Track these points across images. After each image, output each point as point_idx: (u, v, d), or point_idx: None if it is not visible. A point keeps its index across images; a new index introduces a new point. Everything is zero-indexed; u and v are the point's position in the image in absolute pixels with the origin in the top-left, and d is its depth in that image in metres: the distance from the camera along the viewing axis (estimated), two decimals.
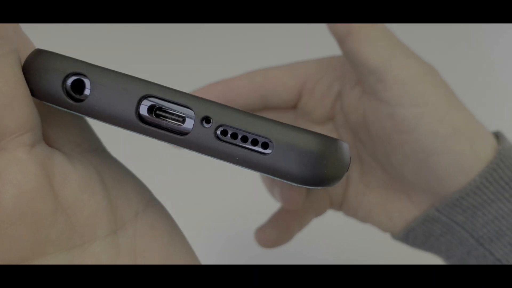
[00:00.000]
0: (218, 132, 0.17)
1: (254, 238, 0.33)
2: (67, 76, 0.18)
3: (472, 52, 0.60)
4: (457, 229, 0.30)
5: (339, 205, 0.34)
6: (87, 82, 0.18)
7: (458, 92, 0.30)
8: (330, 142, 0.17)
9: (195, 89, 0.32)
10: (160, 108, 0.18)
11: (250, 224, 0.35)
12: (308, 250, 0.44)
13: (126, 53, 0.59)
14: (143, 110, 0.17)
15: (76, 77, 0.18)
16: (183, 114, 0.17)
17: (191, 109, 0.17)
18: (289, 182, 0.17)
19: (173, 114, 0.18)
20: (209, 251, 0.44)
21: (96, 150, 0.21)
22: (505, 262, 0.29)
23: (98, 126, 0.22)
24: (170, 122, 0.18)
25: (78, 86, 0.18)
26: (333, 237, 0.45)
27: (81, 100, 0.18)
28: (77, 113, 0.18)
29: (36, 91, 0.18)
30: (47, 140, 0.19)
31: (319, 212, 0.34)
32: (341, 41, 0.29)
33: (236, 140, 0.17)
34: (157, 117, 0.18)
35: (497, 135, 0.30)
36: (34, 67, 0.18)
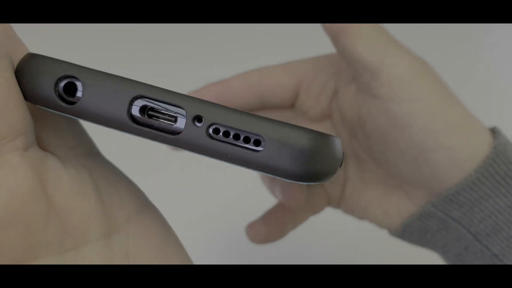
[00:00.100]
0: (210, 130, 0.17)
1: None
2: (59, 79, 0.18)
3: (471, 52, 0.60)
4: (454, 224, 0.30)
5: (337, 203, 0.34)
6: (79, 84, 0.18)
7: (457, 89, 0.30)
8: (321, 137, 0.17)
9: (191, 90, 0.32)
10: (152, 109, 0.18)
11: None
12: (308, 250, 0.44)
13: (123, 54, 0.59)
14: (135, 111, 0.18)
15: (68, 80, 0.18)
16: (175, 113, 0.17)
17: (182, 109, 0.17)
18: (282, 179, 0.17)
19: (165, 114, 0.18)
20: (211, 252, 0.44)
21: (90, 153, 0.21)
22: (502, 257, 0.29)
23: (92, 129, 0.22)
24: (162, 122, 0.18)
25: (70, 88, 0.18)
26: (334, 237, 0.45)
27: (74, 103, 0.18)
28: (70, 116, 0.18)
29: (29, 95, 0.18)
30: (40, 143, 0.19)
31: (316, 210, 0.34)
32: (335, 38, 0.29)
33: (228, 138, 0.17)
34: (149, 118, 0.18)
35: (493, 131, 0.30)
36: (27, 71, 0.18)
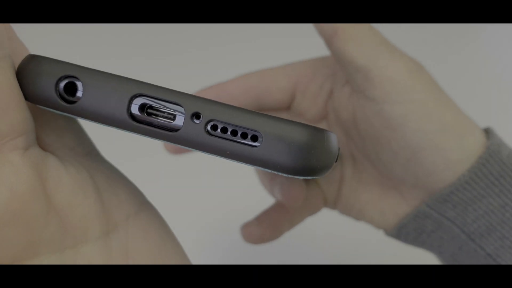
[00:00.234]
0: (208, 127, 0.17)
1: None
2: (60, 79, 0.18)
3: (471, 52, 0.61)
4: (448, 224, 0.31)
5: (334, 203, 0.34)
6: (79, 84, 0.18)
7: (457, 90, 0.30)
8: (317, 132, 0.17)
9: (189, 92, 0.32)
10: (151, 107, 0.18)
11: None
12: (308, 251, 0.44)
13: (122, 54, 0.59)
14: (135, 109, 0.18)
15: (69, 79, 0.18)
16: (173, 111, 0.18)
17: (181, 106, 0.18)
18: (279, 173, 0.17)
19: (164, 112, 0.18)
20: (213, 252, 0.44)
21: (90, 153, 0.21)
22: (495, 257, 0.30)
23: (91, 130, 0.22)
24: (161, 120, 0.18)
25: (71, 88, 0.18)
26: (333, 238, 0.45)
27: (74, 102, 0.18)
28: (70, 115, 0.18)
29: (30, 95, 0.18)
30: (40, 143, 0.20)
31: (313, 211, 0.34)
32: (328, 41, 0.29)
33: (226, 134, 0.17)
34: (149, 115, 0.18)
35: (487, 131, 0.30)
36: (28, 71, 0.18)
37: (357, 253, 0.45)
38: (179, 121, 0.18)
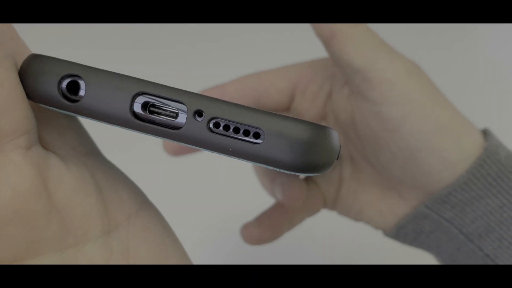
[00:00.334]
0: (211, 124, 0.18)
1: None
2: (62, 78, 0.18)
3: (470, 52, 0.61)
4: (447, 225, 0.31)
5: (333, 204, 0.34)
6: (82, 83, 0.18)
7: (457, 90, 0.30)
8: (319, 129, 0.17)
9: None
10: (153, 105, 0.18)
11: None
12: (309, 251, 0.45)
13: (119, 54, 0.59)
14: (137, 107, 0.18)
15: (71, 78, 0.18)
16: (176, 109, 0.18)
17: (183, 104, 0.18)
18: (281, 170, 0.17)
19: (166, 110, 0.18)
20: (214, 252, 0.44)
21: (91, 153, 0.21)
22: (493, 258, 0.30)
23: (92, 130, 0.22)
24: (164, 118, 0.18)
25: (73, 87, 0.18)
26: (335, 238, 0.45)
27: (77, 101, 0.18)
28: (73, 114, 0.18)
29: (32, 94, 0.18)
30: (42, 143, 0.20)
31: (312, 212, 0.34)
32: (326, 43, 0.29)
33: (228, 132, 0.17)
34: (151, 114, 0.18)
35: (485, 132, 0.31)
36: (30, 71, 0.18)
37: (356, 253, 0.45)
38: (182, 119, 0.18)
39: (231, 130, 0.17)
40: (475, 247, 0.30)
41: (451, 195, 0.30)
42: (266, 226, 0.33)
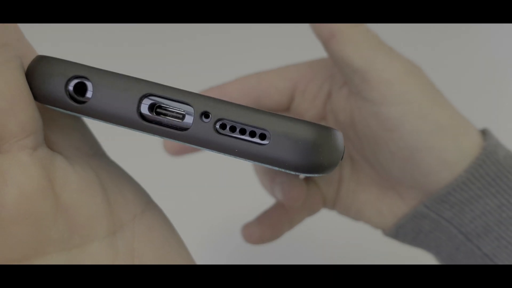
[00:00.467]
0: (217, 126, 0.18)
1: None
2: (70, 80, 0.18)
3: (469, 52, 0.61)
4: (446, 225, 0.31)
5: (333, 204, 0.34)
6: (89, 84, 0.18)
7: (458, 90, 0.30)
8: (324, 130, 0.17)
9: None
10: (160, 106, 0.18)
11: None
12: (309, 251, 0.45)
13: (117, 55, 0.59)
14: (144, 109, 0.18)
15: (79, 80, 0.18)
16: (182, 110, 0.18)
17: (190, 105, 0.18)
18: (287, 171, 0.18)
19: (173, 111, 0.18)
20: (218, 253, 0.44)
21: (96, 153, 0.22)
22: (492, 257, 0.30)
23: (96, 131, 0.22)
24: (171, 119, 0.18)
25: (81, 88, 0.18)
26: (335, 238, 0.46)
27: (84, 102, 0.18)
28: (80, 115, 0.19)
29: (39, 95, 0.18)
30: (48, 144, 0.20)
31: (312, 211, 0.34)
32: (325, 43, 0.29)
33: (234, 133, 0.18)
34: (158, 115, 0.18)
35: (484, 132, 0.31)
36: (37, 72, 0.18)
37: (356, 253, 0.45)
38: (188, 120, 0.18)
39: (237, 131, 0.18)
40: (474, 246, 0.30)
41: (450, 195, 0.30)
42: (267, 225, 0.33)
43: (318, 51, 0.32)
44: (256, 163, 0.18)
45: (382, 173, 0.32)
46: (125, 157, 0.26)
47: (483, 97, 0.57)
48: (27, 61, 0.19)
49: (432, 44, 0.60)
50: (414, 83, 0.29)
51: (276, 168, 0.18)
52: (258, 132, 0.17)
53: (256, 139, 0.17)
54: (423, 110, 0.29)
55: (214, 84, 0.33)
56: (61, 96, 0.18)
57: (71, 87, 0.18)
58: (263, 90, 0.32)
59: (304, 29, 0.31)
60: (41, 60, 0.18)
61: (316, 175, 0.18)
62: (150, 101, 0.18)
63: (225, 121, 0.18)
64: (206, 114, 0.18)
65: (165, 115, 0.18)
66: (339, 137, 0.18)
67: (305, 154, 0.17)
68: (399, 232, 0.33)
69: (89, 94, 0.18)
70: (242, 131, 0.18)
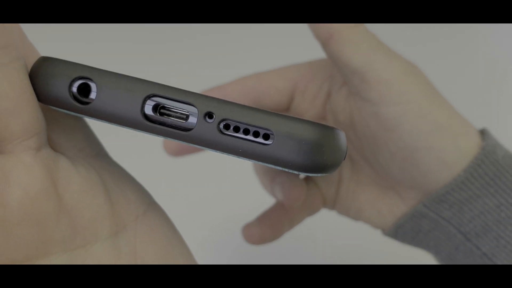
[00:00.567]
0: (221, 126, 0.18)
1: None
2: (73, 81, 0.18)
3: (468, 52, 0.61)
4: (445, 224, 0.31)
5: (332, 204, 0.35)
6: (93, 85, 0.18)
7: (454, 91, 0.31)
8: (327, 130, 0.17)
9: None
10: (163, 107, 0.18)
11: None
12: (310, 251, 0.45)
13: (116, 55, 0.59)
14: (148, 109, 0.18)
15: (82, 81, 0.18)
16: (186, 111, 0.18)
17: (194, 106, 0.18)
18: (290, 171, 0.18)
19: (177, 112, 0.18)
20: (219, 253, 0.45)
21: (98, 154, 0.22)
22: (491, 256, 0.30)
23: (99, 132, 0.23)
24: (175, 119, 0.18)
25: (84, 89, 0.18)
26: (335, 238, 0.46)
27: (88, 103, 0.18)
28: (84, 116, 0.19)
29: (43, 96, 0.18)
30: (51, 145, 0.20)
31: (312, 211, 0.34)
32: (324, 44, 0.30)
33: (238, 133, 0.18)
34: (162, 115, 0.18)
35: (483, 132, 0.31)
36: (41, 73, 0.18)
37: (356, 253, 0.45)
38: (192, 120, 0.18)
39: (241, 131, 0.18)
40: (472, 246, 0.31)
41: (449, 195, 0.30)
42: (267, 226, 0.33)
43: (318, 51, 0.32)
44: (260, 163, 0.18)
45: (382, 173, 0.32)
46: (127, 158, 0.26)
47: (482, 97, 0.57)
48: (30, 62, 0.19)
49: (431, 44, 0.61)
50: (413, 83, 0.29)
51: (280, 168, 0.18)
52: (261, 132, 0.18)
53: (260, 139, 0.18)
54: (422, 110, 0.29)
55: (214, 84, 0.33)
56: (65, 97, 0.18)
57: (74, 88, 0.18)
58: (263, 91, 0.32)
59: (304, 29, 0.31)
60: (44, 61, 0.19)
61: (319, 174, 0.18)
62: (154, 102, 0.18)
63: (228, 122, 0.18)
64: (210, 115, 0.18)
65: (169, 115, 0.18)
66: (342, 136, 0.18)
67: (308, 154, 0.17)
68: (399, 231, 0.33)
69: (92, 95, 0.18)
70: (246, 131, 0.18)
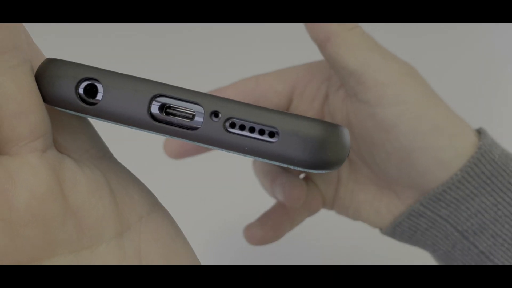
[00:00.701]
0: (227, 124, 0.18)
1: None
2: (80, 82, 0.18)
3: (468, 51, 0.61)
4: (442, 223, 0.31)
5: (331, 204, 0.35)
6: (99, 86, 0.18)
7: (451, 91, 0.31)
8: (332, 127, 0.18)
9: None
10: (170, 106, 0.18)
11: None
12: (311, 251, 0.45)
13: (115, 55, 0.59)
14: (155, 109, 0.18)
15: (89, 82, 0.18)
16: (192, 110, 0.18)
17: (200, 105, 0.18)
18: (295, 168, 0.18)
19: (183, 111, 0.18)
20: (220, 254, 0.45)
21: (103, 156, 0.22)
22: (488, 255, 0.30)
23: (104, 134, 0.23)
24: (181, 119, 0.18)
25: (91, 90, 0.19)
26: (335, 238, 0.46)
27: (94, 104, 0.18)
28: (91, 116, 0.19)
29: (49, 98, 0.19)
30: (57, 146, 0.20)
31: (312, 211, 0.35)
32: (321, 46, 0.30)
33: (244, 131, 0.18)
34: (168, 115, 0.18)
35: (479, 132, 0.31)
36: (47, 75, 0.18)
37: (355, 253, 0.45)
38: (199, 119, 0.18)
39: (246, 129, 0.18)
40: (470, 244, 0.31)
41: (445, 193, 0.30)
42: (268, 226, 0.33)
43: (317, 53, 0.32)
44: (265, 160, 0.18)
45: (379, 173, 0.32)
46: (132, 159, 0.26)
47: (479, 97, 0.57)
48: (35, 64, 0.19)
49: (428, 44, 0.61)
50: (409, 85, 0.29)
51: (285, 165, 0.18)
52: (267, 130, 0.18)
53: (265, 137, 0.18)
54: (418, 111, 0.29)
55: (214, 85, 0.33)
56: (72, 98, 0.18)
57: (81, 89, 0.18)
58: (262, 93, 0.33)
59: (302, 30, 0.31)
60: (51, 63, 0.19)
61: (323, 171, 0.18)
62: (160, 102, 0.18)
63: (234, 120, 0.18)
64: (215, 114, 0.18)
65: (175, 115, 0.18)
66: (346, 133, 0.18)
67: (313, 150, 0.17)
68: (396, 230, 0.33)
69: (99, 95, 0.18)
70: (251, 129, 0.18)
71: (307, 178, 0.34)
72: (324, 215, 0.36)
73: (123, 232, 0.21)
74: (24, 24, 0.19)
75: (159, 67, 0.57)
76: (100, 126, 0.21)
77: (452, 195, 0.30)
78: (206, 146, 0.18)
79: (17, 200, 0.18)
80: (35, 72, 0.19)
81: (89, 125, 0.22)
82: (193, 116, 0.18)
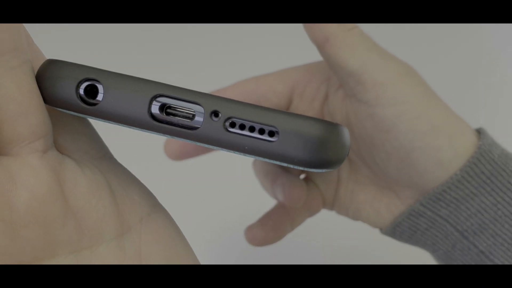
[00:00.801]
0: (227, 124, 0.18)
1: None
2: (80, 82, 0.18)
3: (467, 52, 0.61)
4: (442, 222, 0.31)
5: (331, 204, 0.35)
6: (100, 87, 0.18)
7: (459, 90, 0.31)
8: (332, 127, 0.18)
9: None
10: (170, 106, 0.19)
11: None
12: (311, 251, 0.45)
13: (115, 56, 0.59)
14: (155, 109, 0.18)
15: (89, 82, 0.18)
16: (192, 110, 0.18)
17: (200, 105, 0.18)
18: (295, 167, 0.18)
19: (183, 111, 0.19)
20: (223, 254, 0.45)
21: (104, 157, 0.22)
22: (488, 254, 0.30)
23: (104, 134, 0.23)
24: (181, 119, 0.18)
25: (91, 91, 0.19)
26: (338, 239, 0.46)
27: (95, 104, 0.18)
28: (91, 117, 0.19)
29: (50, 98, 0.19)
30: (57, 147, 0.20)
31: (312, 212, 0.35)
32: (320, 47, 0.30)
33: (244, 131, 0.18)
34: (168, 115, 0.19)
35: (479, 131, 0.31)
36: (48, 75, 0.19)
37: (356, 253, 0.45)
38: (199, 119, 0.18)
39: (246, 129, 0.18)
40: (470, 244, 0.31)
41: (445, 193, 0.30)
42: (269, 227, 0.33)
43: (316, 53, 0.32)
44: (265, 159, 0.18)
45: (379, 173, 0.32)
46: (132, 160, 0.27)
47: (479, 97, 0.57)
48: (36, 65, 0.19)
49: (427, 44, 0.61)
50: (408, 85, 0.29)
51: (285, 164, 0.18)
52: (267, 129, 0.18)
53: (265, 136, 0.18)
54: (418, 110, 0.29)
55: (214, 85, 0.33)
56: (72, 99, 0.18)
57: (82, 90, 0.18)
58: (262, 94, 0.33)
59: (302, 31, 0.31)
60: (51, 64, 0.19)
61: (323, 170, 0.18)
62: (161, 102, 0.18)
63: (234, 120, 0.18)
64: (215, 113, 0.18)
65: (175, 115, 0.19)
66: (346, 133, 0.19)
67: (313, 150, 0.17)
68: (396, 230, 0.33)
69: (99, 96, 0.18)
70: (251, 129, 0.18)
71: (307, 179, 0.34)
72: (324, 215, 0.36)
73: (124, 233, 0.21)
74: (24, 24, 0.19)
75: (159, 67, 0.57)
76: (100, 126, 0.21)
77: (452, 195, 0.30)
78: (206, 145, 0.18)
79: (18, 201, 0.18)
80: (35, 73, 0.19)
81: (90, 126, 0.22)
82: (193, 116, 0.18)
